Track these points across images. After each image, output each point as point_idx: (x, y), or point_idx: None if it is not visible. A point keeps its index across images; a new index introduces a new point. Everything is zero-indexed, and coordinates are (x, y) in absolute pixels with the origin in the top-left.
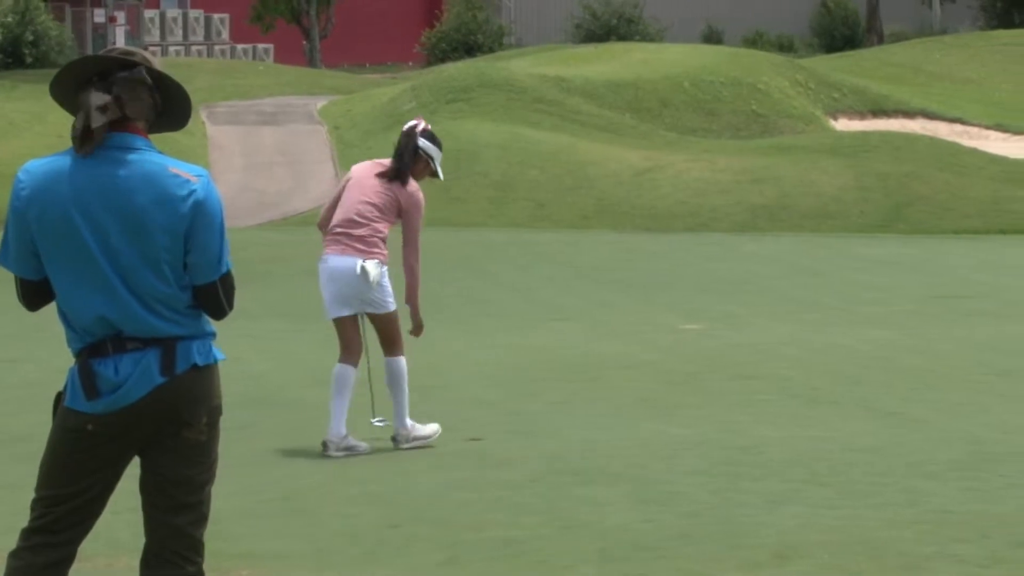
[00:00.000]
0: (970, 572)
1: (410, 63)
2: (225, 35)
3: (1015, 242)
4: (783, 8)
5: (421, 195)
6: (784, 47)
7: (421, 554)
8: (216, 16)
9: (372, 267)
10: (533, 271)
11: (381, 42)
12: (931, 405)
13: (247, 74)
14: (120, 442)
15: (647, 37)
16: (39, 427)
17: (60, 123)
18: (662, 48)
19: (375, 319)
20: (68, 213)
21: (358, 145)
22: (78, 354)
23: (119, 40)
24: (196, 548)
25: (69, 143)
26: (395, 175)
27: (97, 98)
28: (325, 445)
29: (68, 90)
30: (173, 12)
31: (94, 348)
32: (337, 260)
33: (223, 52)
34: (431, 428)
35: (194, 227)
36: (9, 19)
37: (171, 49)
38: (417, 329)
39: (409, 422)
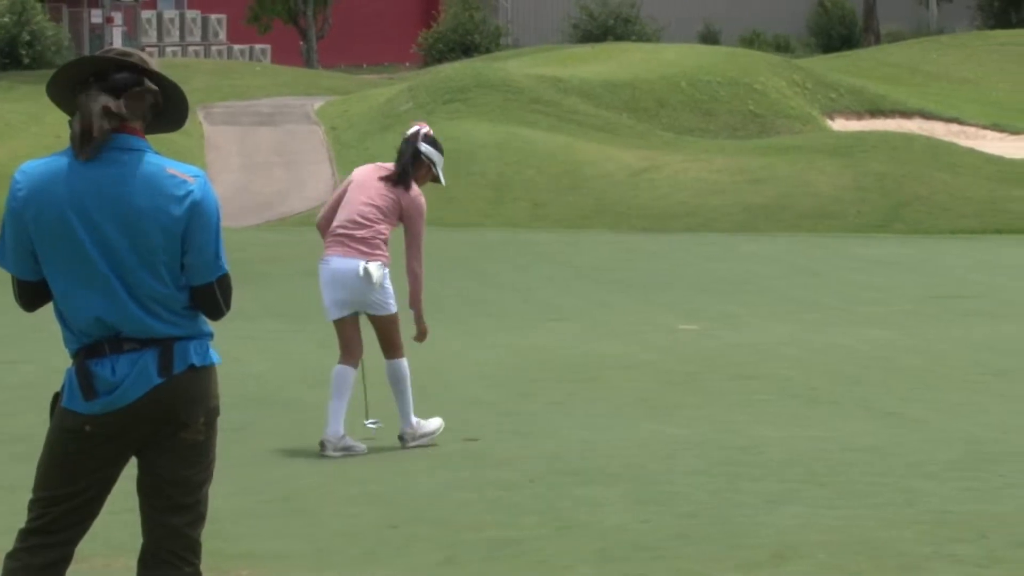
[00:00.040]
0: (969, 572)
1: (407, 64)
2: (222, 36)
3: (1011, 242)
4: (780, 8)
5: (423, 200)
6: (781, 47)
7: (420, 554)
8: (213, 17)
9: (375, 269)
10: (531, 271)
11: (378, 43)
12: (930, 405)
13: (244, 75)
14: (117, 443)
15: (644, 37)
16: (36, 428)
17: (57, 124)
18: (659, 48)
19: (376, 321)
20: (65, 214)
21: (355, 146)
22: (75, 355)
23: (116, 41)
24: (193, 548)
25: (66, 144)
26: (398, 179)
27: (101, 102)
28: (323, 445)
29: (65, 91)
30: (170, 13)
31: (91, 349)
32: (339, 262)
33: (220, 53)
34: (435, 423)
35: (191, 228)
36: (6, 19)
37: (168, 50)
38: (421, 335)
39: (414, 419)
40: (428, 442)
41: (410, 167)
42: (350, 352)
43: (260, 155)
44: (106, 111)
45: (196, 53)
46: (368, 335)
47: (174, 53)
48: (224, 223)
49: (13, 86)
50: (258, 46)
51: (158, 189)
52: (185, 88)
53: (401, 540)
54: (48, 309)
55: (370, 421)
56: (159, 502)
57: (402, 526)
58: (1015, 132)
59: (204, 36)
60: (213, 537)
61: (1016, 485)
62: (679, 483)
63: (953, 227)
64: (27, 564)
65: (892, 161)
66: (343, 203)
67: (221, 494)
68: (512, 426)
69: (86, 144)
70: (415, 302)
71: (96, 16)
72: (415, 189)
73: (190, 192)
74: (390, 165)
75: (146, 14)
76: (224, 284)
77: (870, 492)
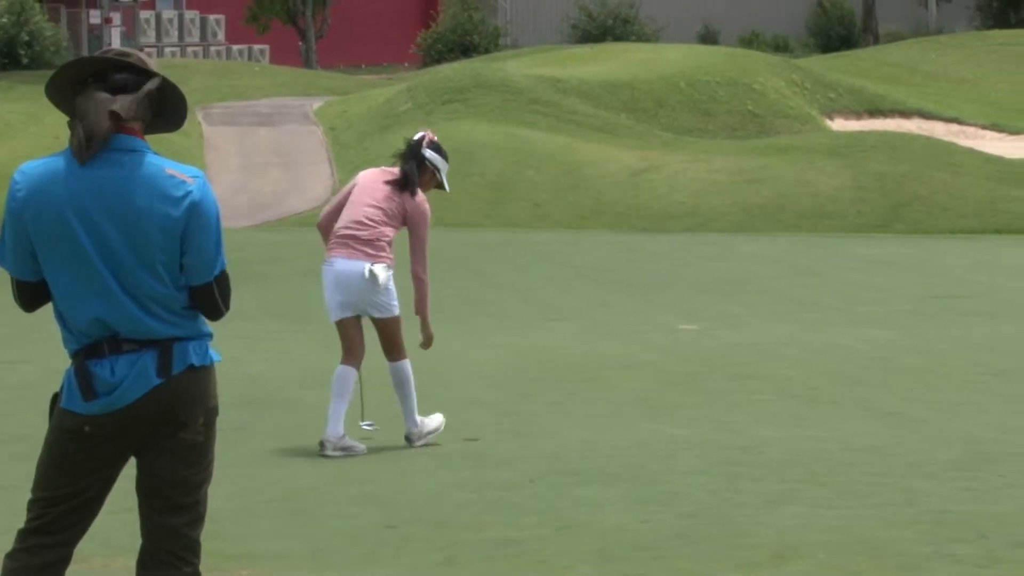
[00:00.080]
0: (968, 572)
1: (406, 64)
2: (221, 36)
3: (1011, 242)
4: (779, 8)
5: (428, 206)
6: (780, 47)
7: (420, 554)
8: (212, 17)
9: (380, 271)
10: (531, 271)
11: (377, 43)
12: (929, 405)
13: (243, 75)
14: (117, 443)
15: (643, 37)
16: (36, 428)
17: (56, 124)
18: (658, 48)
19: (379, 323)
20: (64, 214)
21: (354, 146)
22: (74, 355)
23: (115, 41)
24: (193, 549)
25: (65, 144)
26: (404, 185)
27: (100, 103)
28: (322, 444)
29: (64, 91)
30: (169, 13)
31: (90, 349)
32: (344, 263)
33: (219, 53)
34: (437, 420)
35: (190, 228)
36: (4, 20)
37: (167, 50)
38: (427, 341)
39: (418, 419)
40: (432, 439)
41: (415, 173)
42: (352, 353)
43: (259, 155)
44: (107, 113)
45: (195, 53)
46: (368, 336)
47: (173, 54)
48: (223, 223)
49: (12, 86)
50: (257, 46)
51: (157, 190)
52: (184, 88)
53: (400, 540)
54: (47, 310)
55: (366, 423)
56: (158, 502)
57: (401, 526)
58: (1014, 132)
59: (203, 36)
60: (212, 537)
61: (1016, 485)
62: (679, 483)
63: (952, 227)
64: (26, 564)
65: (891, 161)
66: (348, 205)
67: (220, 494)
68: (512, 426)
69: (88, 150)
70: (421, 308)
71: (95, 16)
72: (420, 195)
73: (189, 193)
74: (395, 170)
75: (144, 14)
76: (223, 284)
77: (870, 492)
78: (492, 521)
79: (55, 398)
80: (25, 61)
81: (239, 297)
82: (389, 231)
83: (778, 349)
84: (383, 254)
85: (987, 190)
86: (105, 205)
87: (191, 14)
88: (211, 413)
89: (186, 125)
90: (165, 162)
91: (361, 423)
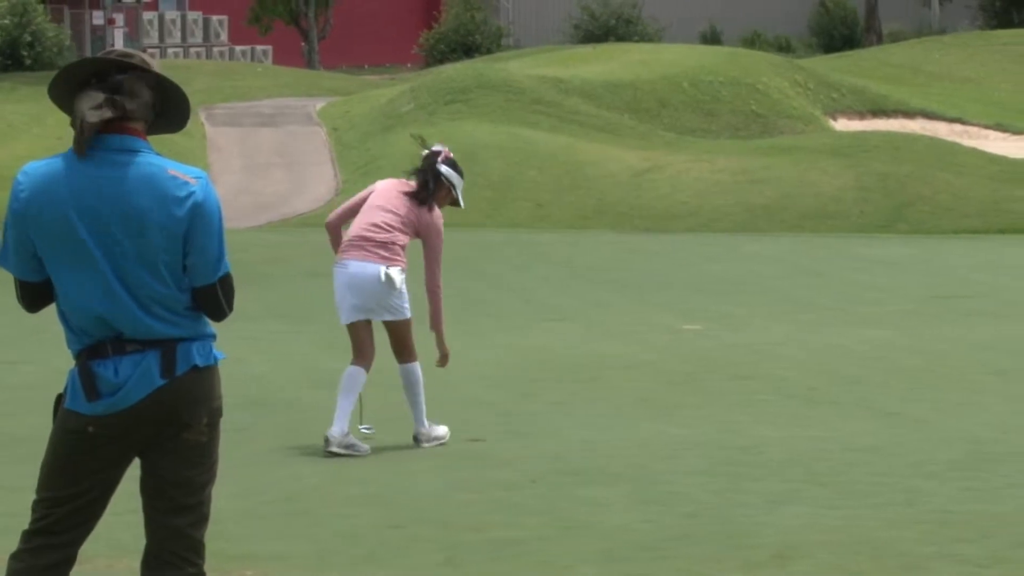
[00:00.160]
0: (970, 572)
1: (408, 64)
2: (223, 37)
3: (1014, 242)
4: (781, 8)
5: (441, 222)
6: (782, 47)
7: (422, 555)
8: (215, 18)
9: (396, 274)
10: (532, 271)
11: (379, 43)
12: (931, 405)
13: (245, 76)
14: (120, 444)
15: (645, 37)
16: (39, 429)
17: (59, 125)
18: (660, 48)
19: (390, 325)
20: (67, 215)
21: (357, 147)
22: (78, 356)
23: (118, 42)
24: (196, 549)
25: (68, 145)
26: (422, 200)
27: (92, 98)
28: (327, 441)
29: (66, 92)
30: (171, 14)
31: (94, 350)
32: (358, 266)
33: (221, 54)
34: (442, 430)
35: (193, 229)
36: (7, 21)
37: (169, 51)
38: (444, 359)
39: (426, 422)
40: (439, 444)
41: (432, 186)
42: (363, 355)
43: (262, 156)
44: (100, 105)
45: (198, 54)
46: (378, 338)
47: (176, 54)
48: (226, 224)
49: (15, 87)
50: (260, 47)
51: (159, 190)
52: (187, 89)
53: (402, 541)
54: (49, 310)
55: (364, 427)
56: (162, 503)
57: (403, 527)
58: (1018, 132)
59: (206, 37)
60: (215, 538)
61: (1018, 485)
62: (681, 483)
63: (956, 227)
64: (31, 565)
65: (895, 161)
66: (363, 208)
67: (223, 495)
68: (513, 426)
69: (83, 138)
70: (436, 324)
71: (98, 17)
72: (436, 211)
73: (192, 193)
74: (412, 183)
75: (148, 15)
76: (226, 285)
77: (871, 492)
78: (494, 521)
79: (59, 399)
80: (28, 62)
81: (242, 298)
82: (403, 238)
83: (779, 349)
84: (397, 258)
85: (991, 190)
86: (107, 205)
87: (194, 15)
88: (215, 414)
89: (189, 126)
90: (167, 163)
91: (359, 426)
